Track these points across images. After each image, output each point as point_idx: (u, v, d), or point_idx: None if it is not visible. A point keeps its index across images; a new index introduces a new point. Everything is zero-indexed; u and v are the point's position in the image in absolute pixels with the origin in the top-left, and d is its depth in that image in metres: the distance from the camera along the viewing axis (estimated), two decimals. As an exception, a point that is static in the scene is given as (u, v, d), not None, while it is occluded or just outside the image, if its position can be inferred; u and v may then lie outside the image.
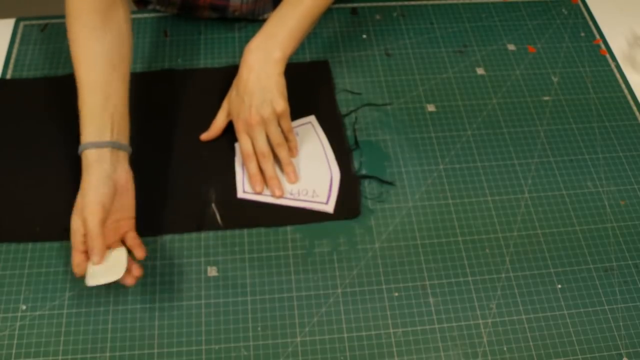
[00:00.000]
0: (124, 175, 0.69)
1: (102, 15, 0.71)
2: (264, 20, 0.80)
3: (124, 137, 0.70)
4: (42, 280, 0.69)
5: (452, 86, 0.89)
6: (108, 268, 0.65)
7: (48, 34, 0.92)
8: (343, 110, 0.86)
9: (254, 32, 0.78)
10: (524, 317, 0.70)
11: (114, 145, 0.68)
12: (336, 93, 0.87)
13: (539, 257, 0.74)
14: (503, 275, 0.72)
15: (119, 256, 0.66)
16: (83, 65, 0.70)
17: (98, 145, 0.67)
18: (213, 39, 0.92)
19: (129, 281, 0.66)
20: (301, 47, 0.90)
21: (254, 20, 0.94)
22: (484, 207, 0.78)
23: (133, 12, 0.95)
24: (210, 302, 0.69)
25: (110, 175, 0.67)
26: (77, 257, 0.65)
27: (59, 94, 0.84)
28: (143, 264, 0.71)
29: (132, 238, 0.68)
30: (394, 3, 0.99)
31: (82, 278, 0.65)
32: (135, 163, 0.78)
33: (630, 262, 0.74)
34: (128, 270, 0.66)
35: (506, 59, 0.93)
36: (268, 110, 0.74)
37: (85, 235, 0.64)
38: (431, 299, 0.70)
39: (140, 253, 0.68)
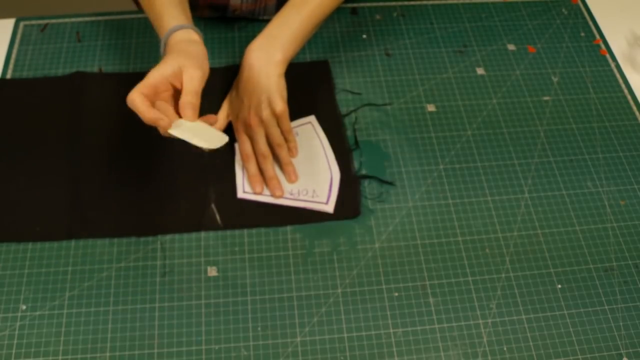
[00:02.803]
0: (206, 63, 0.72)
1: None
2: (264, 20, 0.80)
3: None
4: (42, 280, 0.69)
5: (452, 86, 0.89)
6: (200, 132, 0.65)
7: (48, 34, 0.92)
8: (343, 110, 0.86)
9: (254, 32, 0.78)
10: (524, 317, 0.70)
11: (194, 29, 0.73)
12: (336, 93, 0.87)
13: (539, 257, 0.74)
14: (503, 275, 0.73)
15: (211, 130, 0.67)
16: None
17: (180, 27, 0.72)
18: (213, 39, 0.92)
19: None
20: (301, 47, 0.90)
21: (253, 20, 0.94)
22: (484, 207, 0.78)
23: (133, 12, 0.95)
24: (210, 302, 0.69)
25: (199, 52, 0.71)
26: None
27: (59, 94, 0.84)
28: (143, 264, 0.71)
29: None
30: (394, 3, 0.99)
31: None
32: (135, 163, 0.78)
33: (630, 262, 0.74)
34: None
35: (506, 59, 0.93)
36: (267, 112, 0.74)
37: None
38: (431, 299, 0.70)
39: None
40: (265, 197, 0.76)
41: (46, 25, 0.93)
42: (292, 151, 0.79)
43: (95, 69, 0.88)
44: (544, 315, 0.70)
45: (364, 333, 0.68)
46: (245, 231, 0.74)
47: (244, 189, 0.77)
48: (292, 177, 0.78)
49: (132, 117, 0.83)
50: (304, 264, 0.72)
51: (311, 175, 0.79)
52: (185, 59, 0.67)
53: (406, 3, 1.00)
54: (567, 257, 0.74)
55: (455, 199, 0.78)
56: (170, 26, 0.71)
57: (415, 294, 0.70)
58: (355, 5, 0.99)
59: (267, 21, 0.78)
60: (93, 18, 0.94)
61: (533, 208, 0.78)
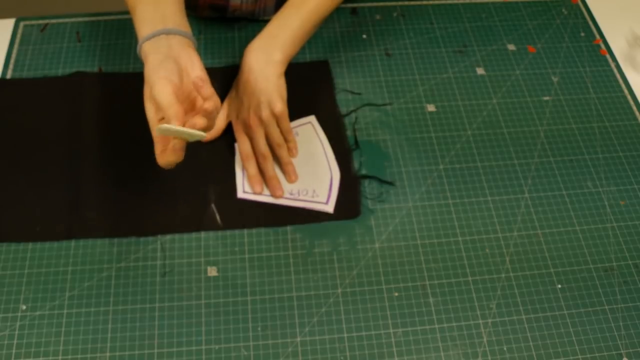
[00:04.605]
0: (184, 53, 0.65)
1: None
2: (264, 20, 0.80)
3: (182, 26, 0.67)
4: (42, 280, 0.69)
5: (452, 86, 0.89)
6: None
7: (48, 34, 0.92)
8: (343, 110, 0.86)
9: (254, 32, 0.78)
10: (524, 317, 0.70)
11: (166, 32, 0.65)
12: (336, 93, 0.87)
13: (539, 257, 0.74)
14: (503, 275, 0.73)
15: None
16: None
17: (149, 37, 0.65)
18: (213, 39, 0.92)
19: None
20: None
21: (253, 20, 0.94)
22: (484, 207, 0.78)
23: (133, 12, 0.95)
24: (210, 302, 0.69)
25: (168, 54, 0.63)
26: (158, 147, 0.63)
27: (59, 94, 0.84)
28: (143, 264, 0.71)
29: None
30: (394, 3, 0.99)
31: (168, 168, 0.63)
32: (136, 163, 0.78)
33: (630, 262, 0.74)
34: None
35: (506, 59, 0.93)
36: (266, 112, 0.74)
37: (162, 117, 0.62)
38: (431, 299, 0.70)
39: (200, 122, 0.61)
40: (265, 197, 0.76)
41: (46, 25, 0.93)
42: (291, 151, 0.79)
43: (95, 69, 0.88)
44: (544, 315, 0.70)
45: (364, 333, 0.68)
46: (245, 231, 0.74)
47: (244, 189, 0.77)
48: (292, 177, 0.78)
49: (132, 117, 0.83)
50: (304, 264, 0.72)
51: (311, 175, 0.79)
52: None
53: (406, 3, 1.00)
54: (567, 257, 0.74)
55: (455, 199, 0.78)
56: (141, 37, 0.66)
57: (415, 294, 0.70)
58: (355, 5, 0.99)
59: (267, 21, 0.78)
60: (93, 18, 0.94)
61: (533, 208, 0.78)
